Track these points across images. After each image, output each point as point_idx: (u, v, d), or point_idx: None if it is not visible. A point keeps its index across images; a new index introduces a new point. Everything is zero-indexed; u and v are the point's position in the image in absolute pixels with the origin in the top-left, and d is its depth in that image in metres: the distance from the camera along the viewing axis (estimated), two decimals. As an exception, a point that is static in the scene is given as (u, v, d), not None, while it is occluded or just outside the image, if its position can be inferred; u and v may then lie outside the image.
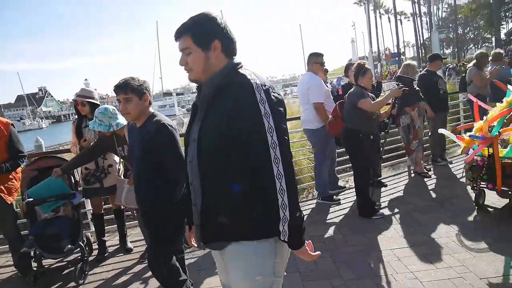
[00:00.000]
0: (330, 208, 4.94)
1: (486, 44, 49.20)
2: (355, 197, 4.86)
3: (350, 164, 5.82)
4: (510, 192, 4.01)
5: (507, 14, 32.67)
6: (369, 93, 4.41)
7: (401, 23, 58.42)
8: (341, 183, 5.80)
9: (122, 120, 3.47)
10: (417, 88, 5.88)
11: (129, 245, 4.39)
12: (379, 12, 58.52)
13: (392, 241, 3.79)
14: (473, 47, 54.93)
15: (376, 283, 3.05)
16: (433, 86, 6.25)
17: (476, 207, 4.36)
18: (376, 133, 4.71)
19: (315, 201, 5.28)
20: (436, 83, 6.31)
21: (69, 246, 3.61)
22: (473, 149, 4.10)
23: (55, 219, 3.76)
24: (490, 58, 7.61)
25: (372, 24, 56.62)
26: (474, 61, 6.98)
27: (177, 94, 46.40)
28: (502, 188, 3.96)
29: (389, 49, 51.90)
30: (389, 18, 61.60)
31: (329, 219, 4.62)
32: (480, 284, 2.86)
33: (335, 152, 5.43)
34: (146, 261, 3.90)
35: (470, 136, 4.07)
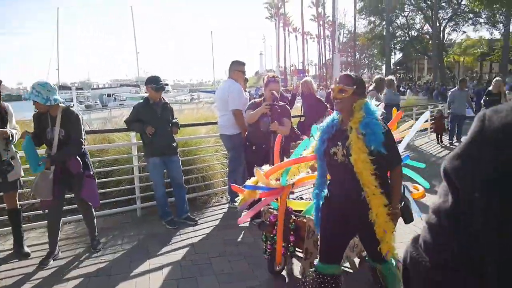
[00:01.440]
0: (242, 213, 5.06)
1: (377, 71, 55.02)
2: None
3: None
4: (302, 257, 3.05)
5: (395, 46, 36.98)
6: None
7: (307, 43, 62.22)
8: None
9: (59, 98, 3.54)
10: (320, 99, 6.50)
11: (26, 249, 3.96)
12: (288, 29, 61.61)
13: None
14: (367, 72, 61.02)
15: (289, 285, 3.24)
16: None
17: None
18: (261, 145, 4.51)
19: (227, 205, 5.37)
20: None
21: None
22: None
23: None
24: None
25: (281, 40, 59.52)
26: (374, 84, 7.81)
27: (76, 89, 43.06)
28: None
29: (295, 66, 55.06)
30: (296, 36, 65.21)
31: (241, 224, 4.73)
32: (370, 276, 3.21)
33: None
34: (46, 267, 3.60)
35: (246, 186, 2.90)
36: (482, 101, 9.42)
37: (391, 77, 9.53)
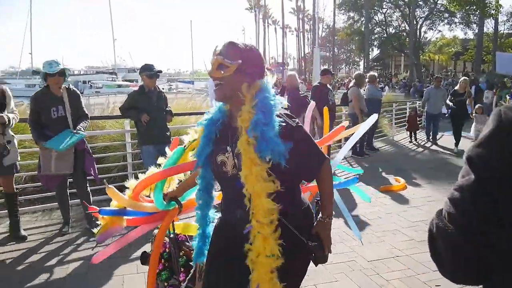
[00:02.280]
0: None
1: (355, 66, 55.90)
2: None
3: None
4: None
5: (373, 42, 37.63)
6: None
7: (286, 36, 62.45)
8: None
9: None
10: (303, 94, 6.68)
11: (23, 232, 3.98)
12: (268, 22, 61.65)
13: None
14: (344, 67, 61.89)
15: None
16: (324, 96, 7.03)
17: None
18: None
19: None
20: (327, 94, 7.13)
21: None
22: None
23: None
24: (367, 79, 8.88)
25: (261, 33, 59.54)
26: (354, 80, 8.06)
27: (50, 75, 41.75)
28: None
29: (274, 58, 55.28)
30: (275, 29, 65.40)
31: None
32: (368, 265, 3.42)
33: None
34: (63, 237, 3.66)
35: (102, 212, 2.03)
36: (448, 101, 9.13)
37: (374, 73, 9.83)
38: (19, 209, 4.23)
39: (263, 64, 1.70)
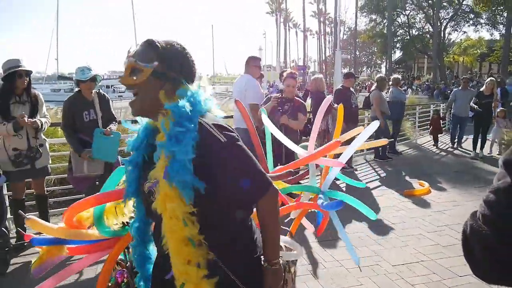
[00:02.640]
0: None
1: (377, 69, 55.23)
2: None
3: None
4: None
5: (396, 44, 37.13)
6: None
7: (307, 39, 62.33)
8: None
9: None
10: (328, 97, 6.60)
11: None
12: (288, 25, 61.66)
13: (314, 235, 4.21)
14: (366, 70, 61.24)
15: (310, 270, 3.42)
16: (346, 99, 7.00)
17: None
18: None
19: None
20: (350, 97, 7.10)
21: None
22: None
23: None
24: (390, 82, 8.79)
25: (282, 36, 59.57)
26: (376, 83, 7.98)
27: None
28: None
29: (295, 62, 55.26)
30: (296, 32, 65.33)
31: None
32: (392, 270, 3.40)
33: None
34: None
35: (33, 241, 1.69)
36: (472, 103, 8.55)
37: (397, 75, 9.71)
38: (51, 210, 4.39)
39: (190, 63, 1.35)
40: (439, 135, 10.28)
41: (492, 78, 9.22)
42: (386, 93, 8.46)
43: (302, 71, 38.50)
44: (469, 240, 0.90)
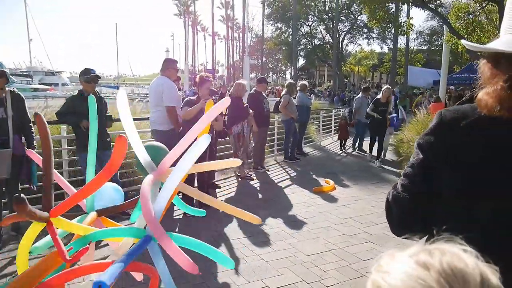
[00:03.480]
0: (174, 207, 5.24)
1: (282, 75, 57.90)
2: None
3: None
4: None
5: (300, 52, 39.38)
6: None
7: (215, 43, 62.75)
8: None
9: None
10: (246, 104, 6.84)
11: None
12: (197, 28, 61.44)
13: (236, 233, 4.40)
14: (272, 75, 63.75)
15: (235, 265, 3.57)
16: (259, 103, 7.34)
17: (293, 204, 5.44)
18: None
19: (158, 200, 5.48)
20: (262, 101, 7.46)
21: None
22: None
23: None
24: (298, 87, 9.40)
25: (190, 39, 59.21)
26: (286, 89, 8.49)
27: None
28: None
29: (204, 65, 55.32)
30: (204, 36, 65.38)
31: (175, 216, 4.93)
32: (307, 259, 3.72)
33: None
34: None
35: None
36: (368, 110, 8.77)
37: (305, 82, 10.42)
38: None
39: None
40: (346, 140, 10.75)
41: (388, 86, 9.35)
42: (294, 97, 9.02)
43: (211, 74, 38.85)
44: (390, 204, 1.18)
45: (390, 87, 9.29)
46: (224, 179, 6.90)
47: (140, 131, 6.14)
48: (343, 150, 10.55)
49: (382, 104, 8.58)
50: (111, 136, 4.82)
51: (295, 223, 4.75)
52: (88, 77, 4.49)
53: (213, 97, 5.17)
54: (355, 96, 11.72)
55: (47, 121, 5.37)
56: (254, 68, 46.72)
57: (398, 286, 0.54)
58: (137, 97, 20.47)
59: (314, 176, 7.34)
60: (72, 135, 4.71)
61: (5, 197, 4.05)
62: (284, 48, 40.33)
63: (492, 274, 0.55)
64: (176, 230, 4.44)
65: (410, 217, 1.13)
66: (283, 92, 8.71)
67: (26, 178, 3.95)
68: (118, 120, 5.63)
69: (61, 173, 4.87)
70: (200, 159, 3.16)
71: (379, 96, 8.74)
